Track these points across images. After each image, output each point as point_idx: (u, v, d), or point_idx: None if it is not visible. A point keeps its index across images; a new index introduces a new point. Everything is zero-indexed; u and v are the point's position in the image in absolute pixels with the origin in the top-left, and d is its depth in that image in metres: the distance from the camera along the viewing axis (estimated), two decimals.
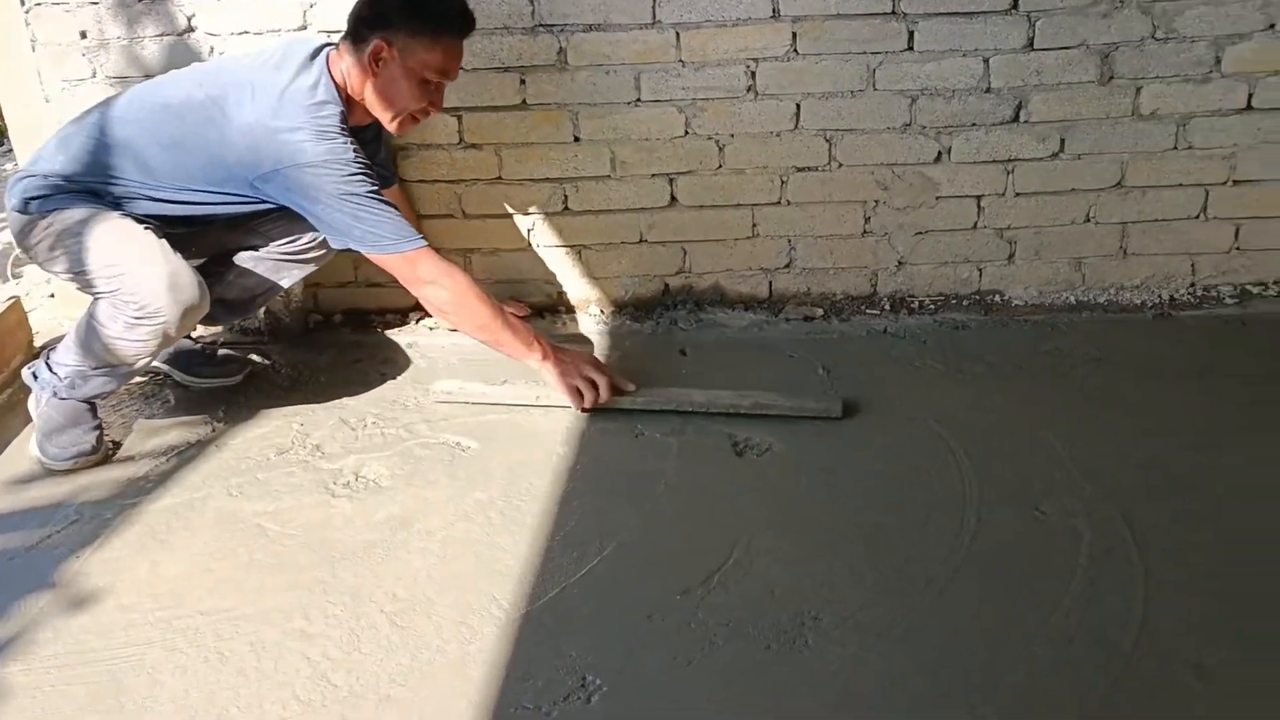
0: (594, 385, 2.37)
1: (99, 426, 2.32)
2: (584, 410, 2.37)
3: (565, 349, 2.42)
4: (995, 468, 2.16)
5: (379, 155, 2.44)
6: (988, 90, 2.66)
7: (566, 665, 1.69)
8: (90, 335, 2.19)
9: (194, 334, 2.66)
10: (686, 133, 2.71)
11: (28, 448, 2.31)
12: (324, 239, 2.28)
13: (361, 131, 2.29)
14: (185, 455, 2.32)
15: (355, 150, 2.16)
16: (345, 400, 2.51)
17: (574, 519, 2.06)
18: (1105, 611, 1.75)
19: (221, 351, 2.66)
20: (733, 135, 2.71)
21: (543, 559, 1.94)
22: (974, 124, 2.70)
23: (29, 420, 2.35)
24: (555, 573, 1.91)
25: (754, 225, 2.81)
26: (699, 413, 2.36)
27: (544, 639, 1.75)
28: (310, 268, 2.49)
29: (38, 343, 2.78)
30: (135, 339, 2.17)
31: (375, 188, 2.19)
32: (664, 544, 1.99)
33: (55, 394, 2.27)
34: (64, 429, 2.27)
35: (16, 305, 2.74)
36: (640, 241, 2.83)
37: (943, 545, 1.94)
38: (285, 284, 2.49)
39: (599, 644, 1.73)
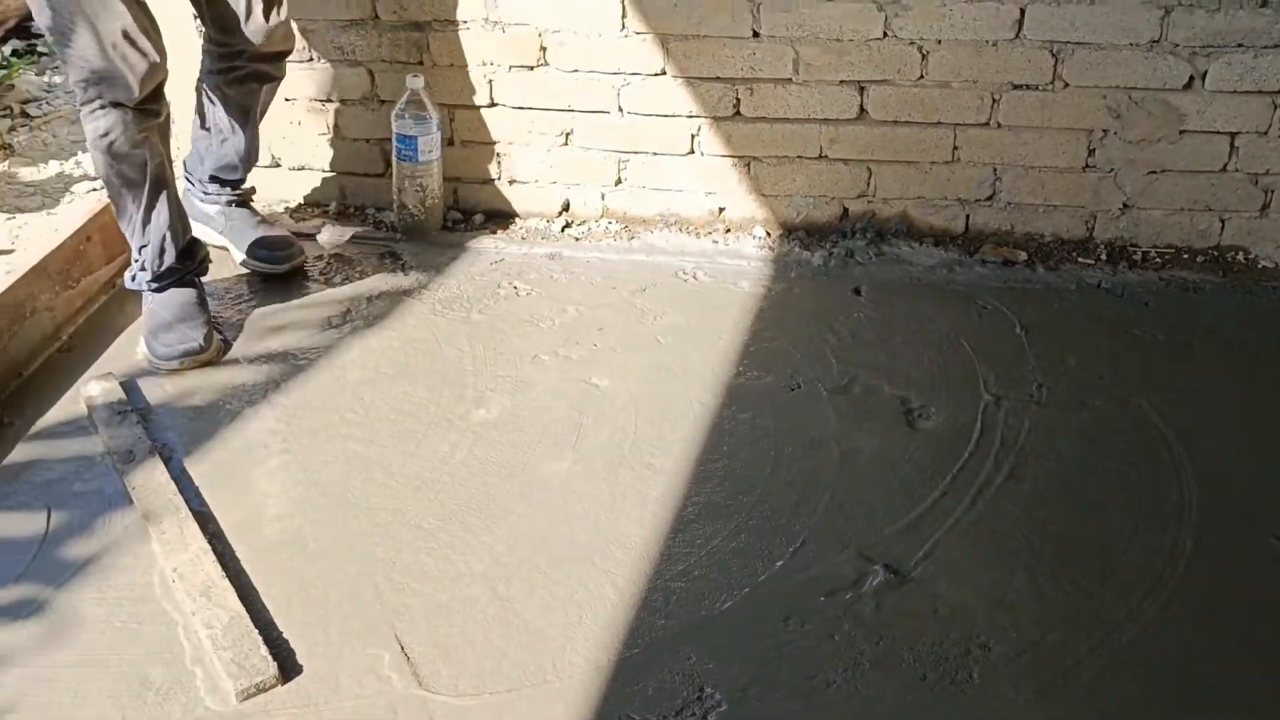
0: None
1: (209, 323, 2.19)
2: None
3: None
4: (1223, 475, 1.91)
5: None
6: (1264, 3, 2.32)
7: (684, 671, 1.56)
8: (107, 185, 2.11)
9: (264, 213, 2.56)
10: (885, 34, 2.45)
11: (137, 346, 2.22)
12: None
13: None
14: (297, 364, 2.18)
15: None
16: (473, 315, 2.34)
17: (715, 479, 1.90)
18: None
19: (279, 233, 2.48)
20: (939, 41, 2.44)
21: (670, 529, 1.80)
22: (1240, 44, 2.37)
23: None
24: (683, 548, 1.76)
25: (955, 148, 2.57)
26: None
27: (660, 633, 1.62)
28: (274, 38, 2.22)
29: None
30: (102, 130, 2.00)
31: None
32: (818, 527, 1.80)
33: (149, 285, 2.18)
34: (171, 326, 2.15)
35: None
36: (820, 157, 2.61)
37: (1149, 567, 1.71)
38: (275, 76, 2.33)
39: (724, 648, 1.59)
